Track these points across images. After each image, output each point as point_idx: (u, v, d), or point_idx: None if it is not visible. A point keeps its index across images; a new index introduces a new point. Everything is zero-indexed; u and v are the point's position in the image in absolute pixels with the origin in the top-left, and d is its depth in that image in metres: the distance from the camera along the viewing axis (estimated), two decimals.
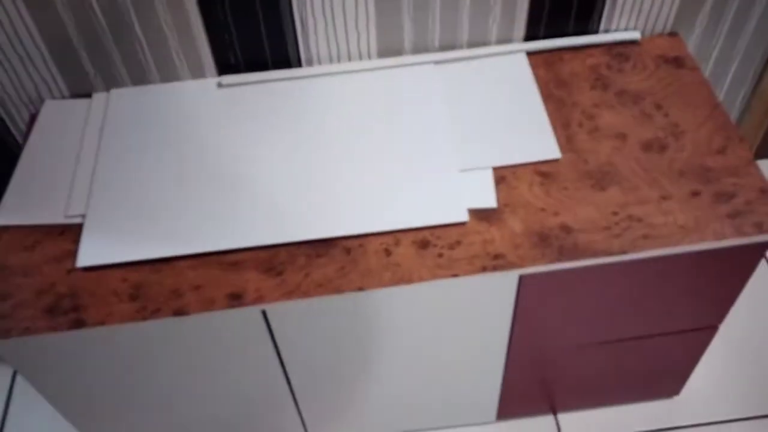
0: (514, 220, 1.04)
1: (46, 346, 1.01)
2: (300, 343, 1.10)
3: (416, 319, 1.08)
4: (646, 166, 1.09)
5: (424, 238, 1.02)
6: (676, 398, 1.46)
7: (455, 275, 0.98)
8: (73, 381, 1.10)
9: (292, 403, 1.26)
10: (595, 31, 1.29)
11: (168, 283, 1.00)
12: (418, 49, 1.27)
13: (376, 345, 1.13)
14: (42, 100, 1.26)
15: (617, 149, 1.12)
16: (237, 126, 1.18)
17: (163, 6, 1.15)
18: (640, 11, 1.26)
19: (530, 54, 1.27)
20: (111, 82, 1.25)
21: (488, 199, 1.06)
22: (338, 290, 0.98)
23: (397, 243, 1.02)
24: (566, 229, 1.02)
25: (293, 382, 1.20)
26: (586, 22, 1.28)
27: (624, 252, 0.99)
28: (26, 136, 1.21)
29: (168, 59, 1.23)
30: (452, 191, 1.06)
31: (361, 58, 1.27)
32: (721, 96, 1.50)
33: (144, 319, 0.97)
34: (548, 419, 1.45)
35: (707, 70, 1.43)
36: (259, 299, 0.98)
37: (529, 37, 1.28)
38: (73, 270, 1.03)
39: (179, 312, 0.97)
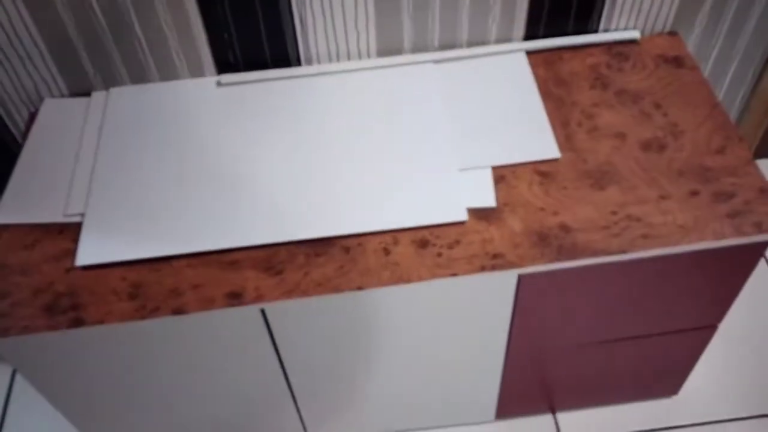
0: (514, 219, 1.04)
1: (45, 344, 1.01)
2: (299, 342, 1.10)
3: (415, 318, 1.08)
4: (645, 166, 1.09)
5: (423, 237, 1.02)
6: (674, 398, 1.46)
7: (454, 274, 0.98)
8: (72, 380, 1.10)
9: (291, 402, 1.26)
10: (595, 31, 1.29)
11: (167, 282, 1.00)
12: (417, 49, 1.27)
13: (375, 344, 1.13)
14: (41, 99, 1.26)
15: (616, 149, 1.12)
16: (236, 125, 1.18)
17: (162, 5, 1.15)
18: (639, 11, 1.26)
19: (530, 53, 1.27)
20: (110, 81, 1.25)
21: (487, 199, 1.06)
22: (337, 289, 0.98)
23: (396, 242, 1.02)
24: (565, 228, 1.02)
25: (292, 381, 1.20)
26: (586, 22, 1.28)
27: (623, 251, 0.99)
28: (26, 134, 1.21)
29: (167, 58, 1.23)
30: (451, 190, 1.06)
31: (360, 57, 1.27)
32: (720, 95, 1.50)
33: (143, 318, 0.97)
34: (547, 418, 1.45)
35: (707, 70, 1.43)
36: (258, 298, 0.98)
37: (529, 36, 1.28)
38: (72, 269, 1.03)
39: (178, 311, 0.97)
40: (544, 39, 1.28)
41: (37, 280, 1.02)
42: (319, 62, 1.27)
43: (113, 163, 1.14)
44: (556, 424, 1.44)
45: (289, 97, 1.21)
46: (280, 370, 1.16)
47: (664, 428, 1.42)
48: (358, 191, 1.07)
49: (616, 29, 1.29)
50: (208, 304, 0.98)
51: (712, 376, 1.48)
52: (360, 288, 0.98)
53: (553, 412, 1.45)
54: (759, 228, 1.01)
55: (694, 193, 1.05)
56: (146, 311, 0.97)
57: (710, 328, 1.23)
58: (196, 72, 1.26)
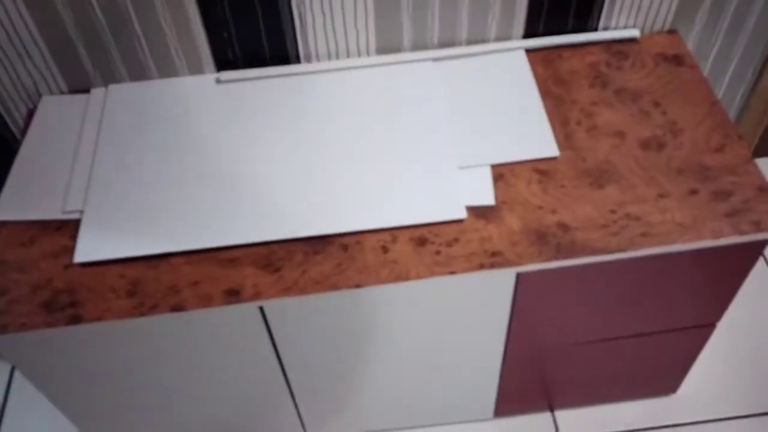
0: (512, 217, 1.03)
1: (44, 341, 1.01)
2: (297, 339, 1.10)
3: (413, 316, 1.08)
4: (644, 165, 1.09)
5: (421, 235, 1.02)
6: (673, 396, 1.46)
7: (453, 272, 0.98)
8: (70, 377, 1.10)
9: (290, 400, 1.26)
10: (595, 29, 1.29)
11: (165, 279, 1.00)
12: (417, 47, 1.27)
13: (373, 342, 1.13)
14: (40, 96, 1.26)
15: (615, 147, 1.12)
16: (235, 122, 1.18)
17: (162, 2, 1.15)
18: (639, 9, 1.26)
19: (529, 51, 1.27)
20: (109, 78, 1.25)
21: (486, 197, 1.06)
22: (335, 287, 0.98)
23: (394, 240, 1.02)
24: (564, 227, 1.02)
25: (291, 378, 1.20)
26: (586, 20, 1.27)
27: (622, 250, 0.99)
28: (24, 131, 1.21)
29: (166, 55, 1.23)
30: (450, 188, 1.06)
31: (359, 55, 1.27)
32: (720, 94, 1.50)
33: (141, 315, 0.97)
34: (546, 416, 1.45)
35: (706, 68, 1.43)
36: (256, 296, 0.98)
37: (529, 34, 1.28)
38: (71, 266, 1.02)
39: (177, 308, 0.97)
40: (543, 37, 1.28)
41: (35, 277, 1.02)
42: (318, 60, 1.27)
43: (112, 160, 1.14)
44: (555, 422, 1.44)
45: (289, 95, 1.21)
46: (278, 368, 1.16)
47: (662, 426, 1.42)
48: (357, 189, 1.07)
49: (616, 27, 1.29)
50: (206, 301, 0.98)
51: (711, 375, 1.48)
52: (358, 286, 0.98)
53: (552, 410, 1.45)
54: (758, 227, 1.01)
55: (693, 192, 1.05)
56: (144, 308, 0.97)
57: (709, 327, 1.23)
58: (196, 69, 1.25)
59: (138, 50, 1.21)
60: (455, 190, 1.06)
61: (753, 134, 1.62)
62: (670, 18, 1.29)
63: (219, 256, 1.02)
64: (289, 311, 1.03)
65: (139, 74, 1.25)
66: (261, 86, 1.23)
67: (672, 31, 1.30)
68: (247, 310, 1.01)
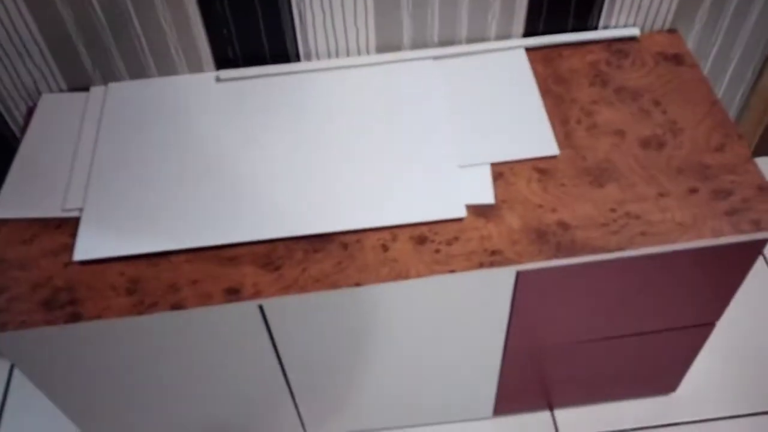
0: (512, 216, 1.03)
1: (43, 339, 1.01)
2: (297, 338, 1.10)
3: (413, 314, 1.08)
4: (644, 163, 1.09)
5: (421, 233, 1.02)
6: (672, 395, 1.46)
7: (452, 271, 0.98)
8: (70, 375, 1.10)
9: (289, 398, 1.26)
10: (595, 28, 1.29)
11: (165, 277, 1.00)
12: (417, 45, 1.27)
13: (373, 340, 1.13)
14: (40, 94, 1.26)
15: (615, 146, 1.12)
16: (235, 121, 1.18)
17: (161, 0, 1.14)
18: (639, 7, 1.26)
19: (529, 50, 1.27)
20: (109, 76, 1.25)
21: (486, 195, 1.06)
22: (335, 285, 0.98)
23: (394, 238, 1.02)
24: (564, 225, 1.02)
25: (290, 377, 1.20)
26: (586, 18, 1.27)
27: (621, 249, 0.99)
28: (24, 129, 1.21)
29: (166, 53, 1.23)
30: (450, 187, 1.06)
31: (359, 53, 1.27)
32: (720, 93, 1.50)
33: (141, 313, 0.97)
34: (545, 415, 1.45)
35: (706, 67, 1.43)
36: (256, 294, 0.98)
37: (528, 33, 1.28)
38: (70, 264, 1.02)
39: (176, 306, 0.97)
40: (543, 36, 1.28)
41: (35, 274, 1.02)
42: (318, 58, 1.27)
43: (111, 158, 1.14)
44: (554, 420, 1.44)
45: (288, 93, 1.21)
46: (278, 367, 1.16)
47: (661, 425, 1.42)
48: (357, 187, 1.07)
49: (616, 26, 1.29)
50: (206, 299, 0.98)
51: (710, 374, 1.48)
52: (358, 284, 0.98)
53: (551, 408, 1.45)
54: (757, 226, 1.01)
55: (693, 191, 1.05)
56: (144, 306, 0.97)
57: (708, 326, 1.23)
58: (195, 67, 1.25)
59: (138, 48, 1.21)
60: (455, 189, 1.06)
61: (753, 133, 1.62)
62: (670, 17, 1.29)
63: (219, 255, 1.02)
64: (289, 310, 1.03)
65: (138, 72, 1.25)
66: (261, 84, 1.23)
67: (672, 30, 1.30)
68: (247, 308, 1.01)
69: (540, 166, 1.09)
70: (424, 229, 1.03)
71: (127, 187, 1.10)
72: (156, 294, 0.99)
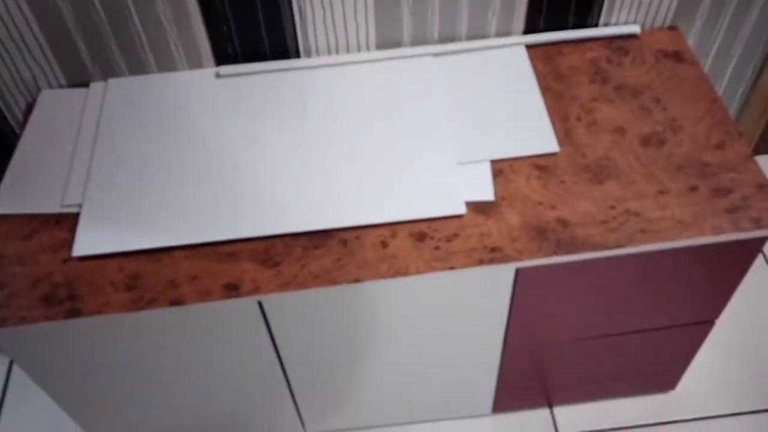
0: (512, 213, 1.03)
1: (43, 335, 1.01)
2: (296, 334, 1.10)
3: (412, 311, 1.08)
4: (644, 161, 1.09)
5: (420, 230, 1.02)
6: (671, 392, 1.46)
7: (452, 268, 0.98)
8: (69, 371, 1.10)
9: (288, 394, 1.26)
10: (595, 25, 1.29)
11: (164, 273, 1.00)
12: (417, 41, 1.27)
13: (372, 337, 1.13)
14: (39, 90, 1.26)
15: (615, 143, 1.12)
16: (235, 117, 1.18)
17: None
18: (640, 5, 1.26)
19: (529, 47, 1.27)
20: (109, 72, 1.25)
21: (486, 192, 1.06)
22: (335, 282, 0.98)
23: (393, 235, 1.02)
24: (563, 222, 1.02)
25: (289, 373, 1.20)
26: (586, 16, 1.27)
27: (621, 246, 0.99)
28: (23, 125, 1.21)
29: (166, 49, 1.22)
30: (450, 184, 1.06)
31: (359, 49, 1.27)
32: (720, 91, 1.50)
33: (140, 309, 0.97)
34: (544, 412, 1.45)
35: (707, 65, 1.42)
36: (255, 290, 0.98)
37: (529, 30, 1.28)
38: (69, 259, 1.02)
39: (175, 302, 0.97)
40: (543, 33, 1.27)
41: (34, 270, 1.02)
42: (318, 54, 1.27)
43: (111, 153, 1.14)
44: (553, 418, 1.44)
45: (288, 90, 1.21)
46: (277, 363, 1.16)
47: (660, 423, 1.42)
48: (357, 184, 1.07)
49: (616, 23, 1.29)
50: (205, 295, 0.98)
51: (710, 372, 1.48)
52: (357, 281, 0.98)
53: (550, 406, 1.45)
54: (757, 223, 1.01)
55: (693, 189, 1.05)
56: (143, 302, 0.97)
57: (708, 324, 1.23)
58: (195, 63, 1.25)
59: (137, 44, 1.21)
60: (455, 186, 1.06)
61: (753, 131, 1.62)
62: (670, 14, 1.28)
63: (218, 251, 1.02)
64: (288, 306, 1.03)
65: (138, 68, 1.25)
66: (260, 81, 1.23)
67: (672, 28, 1.30)
68: (246, 304, 1.01)
69: (540, 163, 1.09)
70: (424, 225, 1.03)
71: (127, 183, 1.10)
72: (155, 290, 0.99)
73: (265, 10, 1.18)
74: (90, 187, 1.09)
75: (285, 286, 0.98)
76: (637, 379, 1.37)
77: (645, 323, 1.20)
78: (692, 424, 1.42)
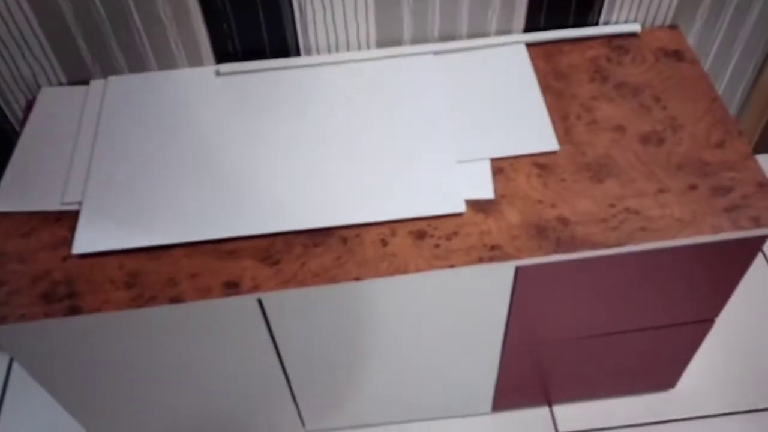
0: (512, 211, 1.03)
1: (42, 333, 1.01)
2: (296, 332, 1.10)
3: (412, 309, 1.08)
4: (643, 159, 1.09)
5: (420, 228, 1.02)
6: (671, 391, 1.46)
7: (452, 266, 0.98)
8: (69, 368, 1.10)
9: (288, 393, 1.26)
10: (595, 23, 1.29)
11: (164, 271, 1.00)
12: (417, 40, 1.27)
13: (372, 335, 1.13)
14: (39, 87, 1.26)
15: (615, 142, 1.12)
16: (234, 114, 1.18)
17: None
18: (640, 3, 1.26)
19: (530, 45, 1.27)
20: (109, 70, 1.25)
21: (486, 191, 1.06)
22: (334, 280, 0.98)
23: (393, 233, 1.02)
24: (563, 221, 1.02)
25: (289, 371, 1.20)
26: (586, 14, 1.27)
27: (620, 244, 0.99)
28: (23, 122, 1.21)
29: (166, 47, 1.22)
30: (450, 182, 1.06)
31: (360, 47, 1.27)
32: (720, 90, 1.50)
33: (140, 306, 0.97)
34: (543, 411, 1.45)
35: (707, 64, 1.42)
36: (255, 288, 0.98)
37: (529, 28, 1.28)
38: (69, 257, 1.02)
39: (175, 300, 0.97)
40: (544, 31, 1.27)
41: (34, 268, 1.02)
42: (318, 53, 1.26)
43: (111, 151, 1.14)
44: (553, 417, 1.44)
45: (288, 88, 1.21)
46: (277, 361, 1.16)
47: (660, 422, 1.42)
48: (357, 182, 1.07)
49: (617, 22, 1.29)
50: (205, 293, 0.98)
51: (709, 370, 1.48)
52: (357, 279, 0.98)
53: (550, 404, 1.46)
54: (757, 222, 1.01)
55: (693, 187, 1.05)
56: (143, 300, 0.97)
57: (707, 322, 1.23)
58: (195, 61, 1.25)
59: (137, 42, 1.21)
60: (455, 184, 1.06)
61: (753, 130, 1.62)
62: (671, 13, 1.28)
63: (218, 249, 1.02)
64: (288, 304, 1.03)
65: (138, 66, 1.25)
66: (261, 79, 1.23)
67: (673, 26, 1.30)
68: (246, 302, 1.01)
69: (540, 162, 1.09)
70: (424, 224, 1.03)
71: (127, 180, 1.10)
72: (155, 287, 0.99)
73: (266, 8, 1.18)
74: (90, 184, 1.09)
75: (285, 284, 0.98)
76: (637, 377, 1.37)
77: (645, 322, 1.20)
78: (692, 422, 1.42)
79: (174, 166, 1.11)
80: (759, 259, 1.65)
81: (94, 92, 1.23)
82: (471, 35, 1.27)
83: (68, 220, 1.07)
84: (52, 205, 1.08)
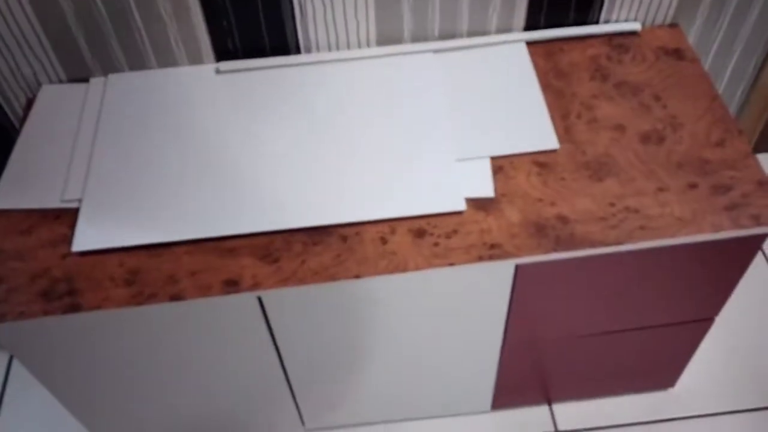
0: (511, 210, 1.03)
1: (42, 330, 1.01)
2: (296, 330, 1.10)
3: (412, 307, 1.08)
4: (643, 158, 1.09)
5: (420, 226, 1.02)
6: (670, 390, 1.46)
7: (451, 264, 0.98)
8: (69, 366, 1.10)
9: (287, 391, 1.26)
10: (596, 22, 1.29)
11: (164, 268, 1.00)
12: (417, 38, 1.27)
13: (371, 333, 1.13)
14: (39, 85, 1.26)
15: (615, 140, 1.11)
16: (234, 112, 1.18)
17: None
18: (641, 2, 1.26)
19: (530, 44, 1.27)
20: (109, 68, 1.25)
21: (485, 189, 1.06)
22: (334, 278, 0.98)
23: (393, 231, 1.02)
24: (563, 219, 1.02)
25: (289, 369, 1.20)
26: (587, 12, 1.27)
27: (620, 243, 0.99)
28: (23, 120, 1.21)
29: (166, 45, 1.22)
30: (449, 180, 1.06)
31: (360, 46, 1.27)
32: (720, 89, 1.50)
33: (140, 304, 0.97)
34: (543, 409, 1.45)
35: (707, 63, 1.42)
36: (255, 286, 0.98)
37: (529, 26, 1.28)
38: (69, 254, 1.02)
39: (175, 297, 0.97)
40: (544, 30, 1.27)
41: (33, 265, 1.02)
42: (318, 51, 1.26)
43: (111, 149, 1.14)
44: (552, 415, 1.44)
45: (288, 86, 1.21)
46: (276, 359, 1.16)
47: (659, 420, 1.42)
48: (356, 180, 1.07)
49: (617, 21, 1.29)
50: (205, 291, 0.98)
51: (709, 369, 1.48)
52: (357, 277, 0.98)
53: (549, 403, 1.46)
54: (757, 221, 1.01)
55: (693, 186, 1.05)
56: (143, 297, 0.97)
57: (707, 321, 1.23)
58: (195, 59, 1.25)
59: (137, 40, 1.21)
60: (454, 182, 1.06)
61: (753, 129, 1.62)
62: (671, 12, 1.28)
63: (218, 246, 1.02)
64: (288, 302, 1.03)
65: (138, 64, 1.25)
66: (261, 76, 1.23)
67: (673, 25, 1.30)
68: (246, 300, 1.01)
69: (540, 160, 1.09)
70: (423, 222, 1.03)
71: (127, 178, 1.09)
72: (155, 285, 0.99)
73: (266, 6, 1.18)
74: (90, 182, 1.09)
75: (284, 281, 0.98)
76: (637, 376, 1.37)
77: (644, 320, 1.20)
78: (691, 421, 1.42)
79: (174, 164, 1.11)
80: (759, 258, 1.65)
81: (94, 90, 1.23)
82: (471, 33, 1.27)
83: (68, 217, 1.07)
84: (52, 202, 1.08)
